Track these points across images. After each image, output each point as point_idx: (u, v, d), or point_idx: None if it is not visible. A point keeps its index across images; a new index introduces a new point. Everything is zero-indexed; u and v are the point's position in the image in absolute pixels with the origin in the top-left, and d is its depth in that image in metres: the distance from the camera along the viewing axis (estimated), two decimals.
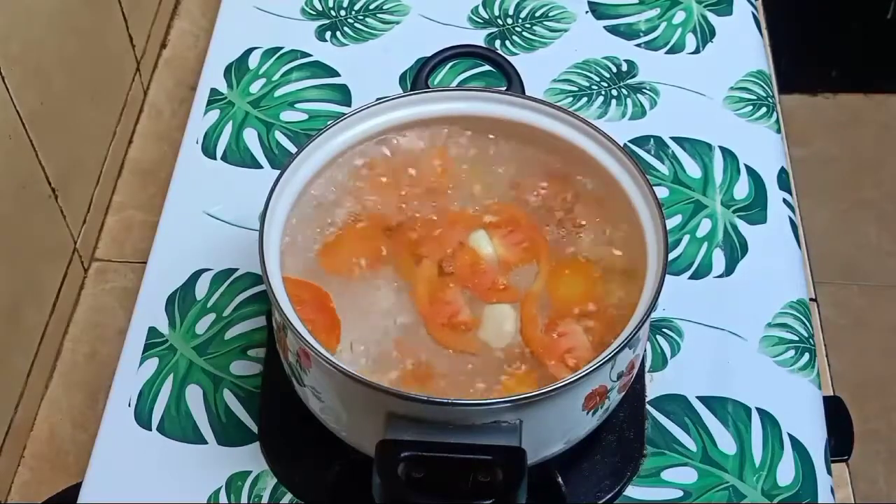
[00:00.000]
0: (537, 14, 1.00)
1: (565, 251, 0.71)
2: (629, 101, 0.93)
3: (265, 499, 0.72)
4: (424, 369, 0.65)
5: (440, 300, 0.68)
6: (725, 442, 0.75)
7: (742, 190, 0.88)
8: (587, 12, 1.00)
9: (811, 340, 0.80)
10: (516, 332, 0.67)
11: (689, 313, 0.81)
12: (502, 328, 0.67)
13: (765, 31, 1.04)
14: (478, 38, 0.98)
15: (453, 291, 0.69)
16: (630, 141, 0.90)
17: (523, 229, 0.71)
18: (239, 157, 0.90)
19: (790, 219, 0.87)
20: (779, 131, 0.93)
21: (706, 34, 0.99)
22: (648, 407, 0.76)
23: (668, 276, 0.65)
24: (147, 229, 0.93)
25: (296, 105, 0.93)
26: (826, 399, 0.78)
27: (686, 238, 0.85)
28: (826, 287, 1.06)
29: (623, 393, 0.68)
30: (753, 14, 1.01)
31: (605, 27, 0.99)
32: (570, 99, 0.94)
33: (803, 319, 0.81)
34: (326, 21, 1.00)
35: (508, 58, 0.79)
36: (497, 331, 0.67)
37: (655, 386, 0.77)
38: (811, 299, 0.87)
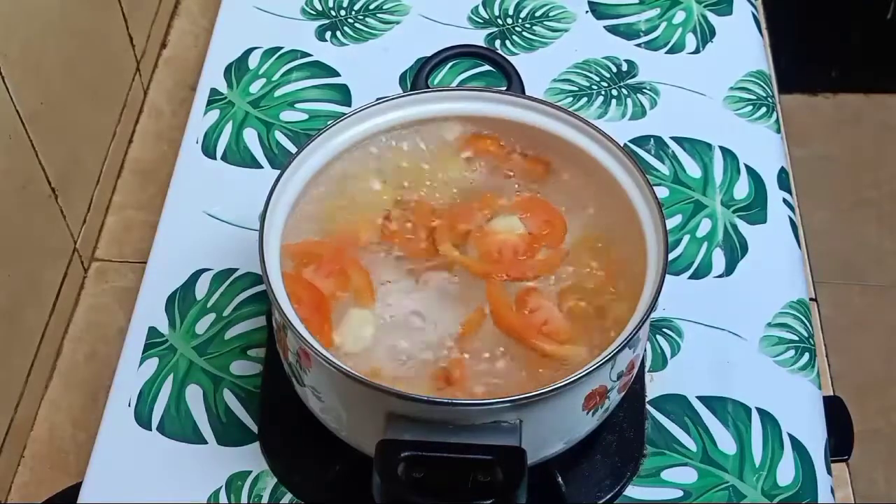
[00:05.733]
0: (537, 14, 1.00)
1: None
2: (629, 101, 0.93)
3: (265, 499, 0.72)
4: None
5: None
6: (725, 442, 0.75)
7: (742, 190, 0.88)
8: (587, 12, 1.00)
9: (811, 340, 0.80)
10: (372, 338, 0.67)
11: (689, 313, 0.81)
12: (359, 333, 0.67)
13: (765, 31, 1.04)
14: (478, 38, 0.98)
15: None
16: (630, 141, 0.90)
17: (545, 212, 0.72)
18: (239, 157, 0.90)
19: (790, 219, 0.87)
20: (779, 131, 0.93)
21: (706, 34, 0.99)
22: (648, 407, 0.76)
23: (668, 276, 0.65)
24: (147, 229, 0.92)
25: (296, 105, 0.93)
26: (826, 399, 0.78)
27: (686, 238, 0.85)
28: (826, 287, 1.06)
29: (623, 393, 0.68)
30: (753, 14, 1.01)
31: (605, 27, 0.99)
32: (570, 99, 0.94)
33: (803, 319, 0.81)
34: (326, 21, 1.00)
35: (508, 58, 0.79)
36: (354, 335, 0.67)
37: (655, 386, 0.77)
38: (811, 299, 0.87)
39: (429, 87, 0.77)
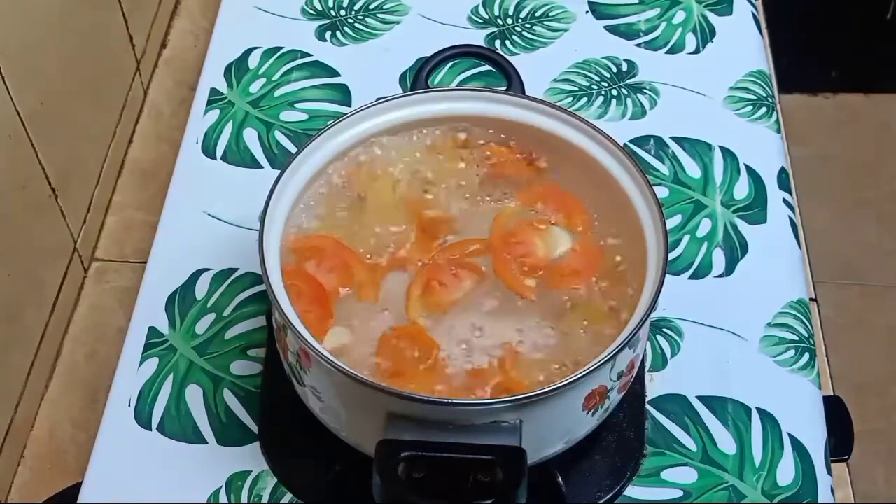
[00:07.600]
0: (537, 14, 1.00)
1: None
2: (629, 101, 0.93)
3: (265, 499, 0.72)
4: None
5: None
6: (725, 442, 0.75)
7: (742, 190, 0.88)
8: (587, 12, 1.00)
9: (811, 340, 0.80)
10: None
11: (689, 313, 0.81)
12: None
13: (765, 31, 1.04)
14: (478, 38, 0.98)
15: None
16: (630, 141, 0.90)
17: (590, 261, 0.72)
18: (239, 156, 0.90)
19: (790, 219, 0.87)
20: (779, 131, 0.93)
21: (706, 34, 0.99)
22: (648, 407, 0.76)
23: (668, 276, 0.65)
24: (147, 229, 0.92)
25: (296, 105, 0.93)
26: (826, 399, 0.78)
27: (686, 238, 0.85)
28: (826, 287, 1.06)
29: (623, 393, 0.68)
30: (753, 14, 1.01)
31: (605, 27, 0.99)
32: (570, 99, 0.94)
33: (803, 319, 0.81)
34: (326, 21, 1.00)
35: (508, 58, 0.79)
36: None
37: (655, 386, 0.77)
38: (811, 299, 0.87)
39: (429, 87, 0.77)
